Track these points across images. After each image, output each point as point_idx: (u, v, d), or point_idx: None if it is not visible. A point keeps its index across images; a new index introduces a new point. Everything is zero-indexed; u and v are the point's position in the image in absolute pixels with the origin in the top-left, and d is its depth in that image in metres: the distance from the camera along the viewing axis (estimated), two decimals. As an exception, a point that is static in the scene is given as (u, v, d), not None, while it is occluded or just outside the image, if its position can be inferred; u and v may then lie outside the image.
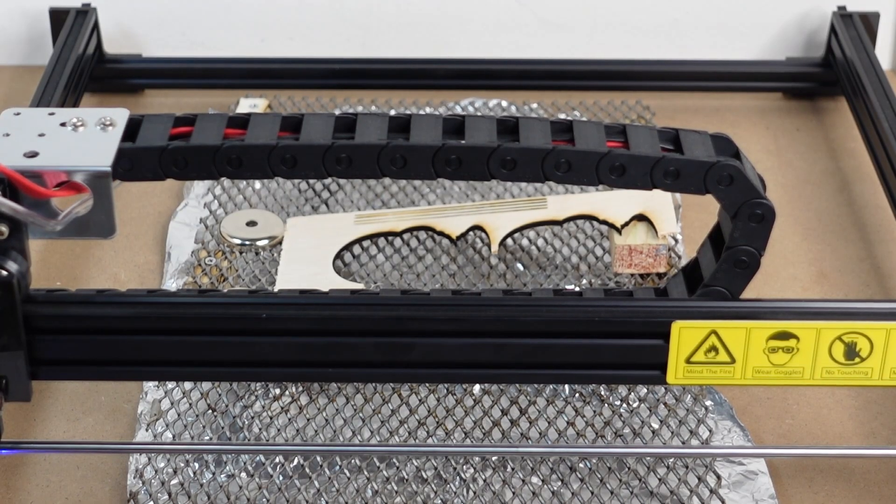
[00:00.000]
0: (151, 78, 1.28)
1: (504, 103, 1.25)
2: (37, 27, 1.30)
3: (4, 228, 0.78)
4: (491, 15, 1.31)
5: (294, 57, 1.29)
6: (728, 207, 0.82)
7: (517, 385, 0.94)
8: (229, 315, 0.82)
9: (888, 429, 0.94)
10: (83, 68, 1.21)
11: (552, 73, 1.27)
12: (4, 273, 0.78)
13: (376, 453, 0.89)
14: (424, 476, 0.89)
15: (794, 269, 1.08)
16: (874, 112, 1.13)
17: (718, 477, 0.88)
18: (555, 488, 0.88)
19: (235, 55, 1.29)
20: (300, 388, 0.95)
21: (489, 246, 1.06)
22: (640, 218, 1.05)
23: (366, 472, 0.89)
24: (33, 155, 0.78)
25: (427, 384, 0.95)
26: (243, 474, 0.88)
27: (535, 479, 0.89)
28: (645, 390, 0.94)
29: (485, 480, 0.88)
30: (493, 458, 0.89)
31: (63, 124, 0.80)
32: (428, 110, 1.25)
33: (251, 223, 1.09)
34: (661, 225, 1.03)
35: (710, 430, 0.92)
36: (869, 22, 1.26)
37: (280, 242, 1.07)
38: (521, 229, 1.05)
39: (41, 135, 0.80)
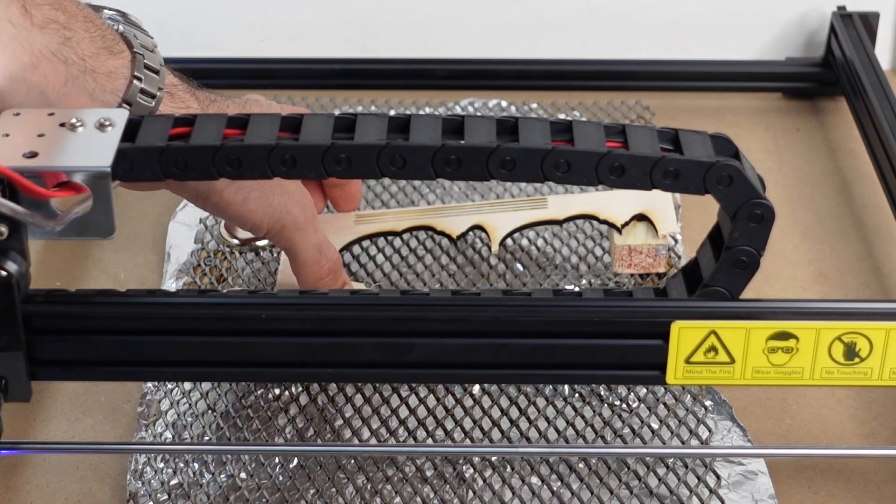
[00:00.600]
0: (151, 78, 1.28)
1: (504, 103, 1.25)
2: (37, 27, 1.30)
3: (4, 229, 0.78)
4: (491, 15, 1.31)
5: (294, 57, 1.29)
6: (728, 208, 0.82)
7: (517, 385, 0.94)
8: (229, 315, 0.82)
9: (888, 429, 0.94)
10: (83, 68, 1.21)
11: (552, 73, 1.27)
12: (4, 273, 0.78)
13: (376, 453, 0.89)
14: (424, 476, 0.89)
15: (793, 270, 1.08)
16: (874, 112, 1.13)
17: (718, 477, 0.88)
18: (554, 488, 0.88)
19: (235, 55, 1.29)
20: (300, 389, 0.95)
21: (489, 246, 1.06)
22: (640, 218, 1.04)
23: (365, 472, 0.89)
24: (33, 155, 0.78)
25: (427, 384, 0.95)
26: (243, 474, 0.88)
27: (534, 479, 0.89)
28: (644, 390, 0.94)
29: (485, 480, 0.88)
30: (493, 458, 0.89)
31: (62, 125, 0.80)
32: (428, 110, 1.25)
33: (251, 223, 1.09)
34: (662, 225, 1.03)
35: (710, 430, 0.92)
36: (869, 22, 1.26)
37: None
38: (521, 229, 1.05)
39: (40, 135, 0.80)
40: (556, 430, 0.92)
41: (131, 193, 1.07)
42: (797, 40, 1.31)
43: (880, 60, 1.21)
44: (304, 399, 0.94)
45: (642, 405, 0.94)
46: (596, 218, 1.04)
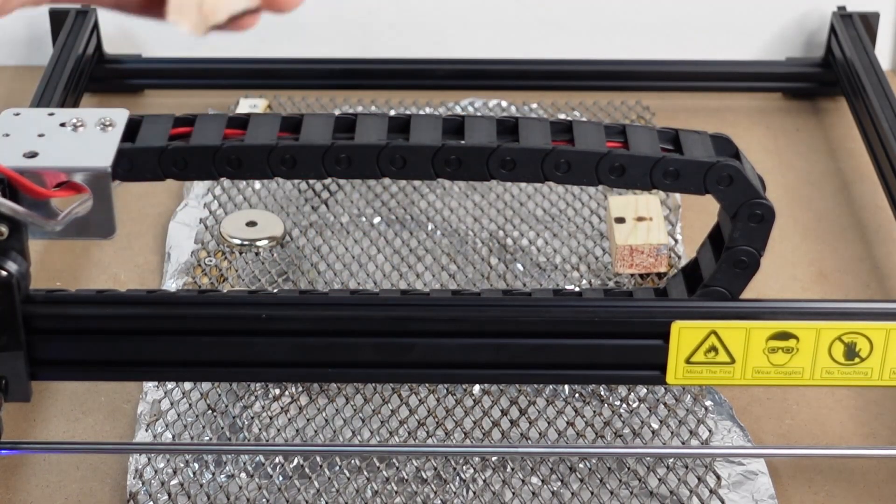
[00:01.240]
0: (151, 78, 1.29)
1: (504, 103, 1.25)
2: (37, 27, 1.30)
3: (4, 229, 0.78)
4: (491, 15, 1.31)
5: (294, 57, 1.29)
6: (728, 208, 0.82)
7: (517, 385, 0.94)
8: (229, 315, 0.82)
9: (888, 429, 0.94)
10: (83, 68, 1.21)
11: (552, 73, 1.27)
12: (4, 273, 0.78)
13: (376, 453, 0.89)
14: (424, 476, 0.89)
15: (793, 270, 1.08)
16: (874, 112, 1.13)
17: (718, 477, 0.88)
18: (554, 488, 0.88)
19: (235, 55, 1.29)
20: (300, 389, 0.95)
21: (489, 246, 1.06)
22: (641, 218, 1.05)
23: (365, 473, 0.89)
24: (33, 155, 0.78)
25: (427, 384, 0.95)
26: (243, 474, 0.88)
27: (534, 480, 0.89)
28: (645, 390, 0.94)
29: (484, 481, 0.88)
30: (493, 459, 0.89)
31: (63, 124, 0.80)
32: (428, 110, 1.25)
33: (251, 223, 1.09)
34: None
35: (710, 431, 0.92)
36: (869, 22, 1.26)
37: (280, 243, 1.07)
38: None
39: (41, 135, 0.80)
40: (557, 430, 0.92)
41: (131, 193, 1.07)
42: (797, 40, 1.31)
43: (880, 60, 1.21)
44: (304, 399, 0.94)
45: (642, 405, 0.94)
46: None
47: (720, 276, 0.83)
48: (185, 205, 1.12)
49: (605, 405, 0.94)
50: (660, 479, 0.88)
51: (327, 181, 1.14)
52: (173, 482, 0.88)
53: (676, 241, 1.08)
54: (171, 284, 1.04)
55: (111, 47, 1.28)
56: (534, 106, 1.25)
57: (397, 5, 1.30)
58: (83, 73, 1.21)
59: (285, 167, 0.81)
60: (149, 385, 0.95)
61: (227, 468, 0.89)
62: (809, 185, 1.18)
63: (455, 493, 0.88)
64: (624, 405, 0.94)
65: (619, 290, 0.89)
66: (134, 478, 0.88)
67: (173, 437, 0.91)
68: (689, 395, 0.94)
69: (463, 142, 0.81)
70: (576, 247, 1.08)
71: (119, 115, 0.81)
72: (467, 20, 1.31)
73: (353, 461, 0.89)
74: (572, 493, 0.87)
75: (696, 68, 1.28)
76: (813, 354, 0.82)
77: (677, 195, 1.12)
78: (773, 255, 1.08)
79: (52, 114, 0.81)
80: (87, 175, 0.78)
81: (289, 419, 0.92)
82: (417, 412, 0.93)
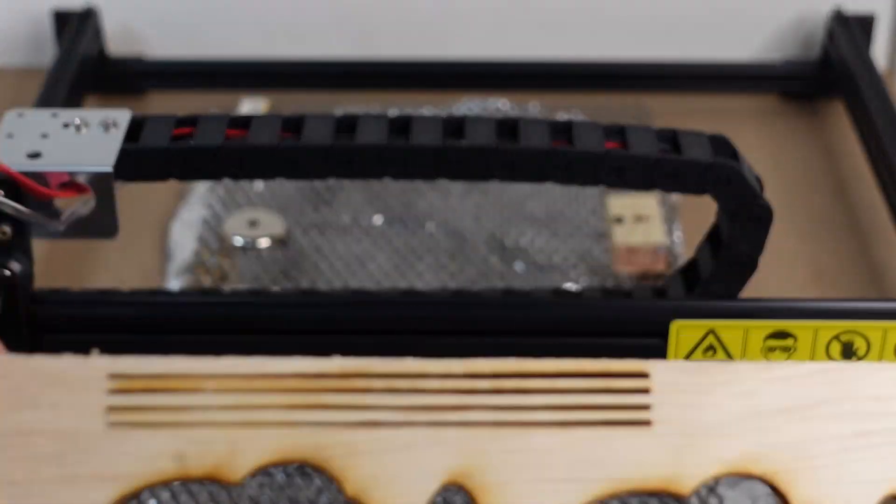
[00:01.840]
0: (154, 79, 1.29)
1: (504, 103, 1.25)
2: (40, 29, 1.31)
3: (8, 229, 0.78)
4: (491, 15, 1.31)
5: (295, 58, 1.29)
6: (726, 208, 0.82)
7: (516, 384, 0.95)
8: (231, 315, 0.82)
9: (885, 427, 0.94)
10: (86, 70, 1.22)
11: (552, 73, 1.27)
12: (8, 273, 0.78)
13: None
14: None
15: (791, 269, 1.09)
16: (871, 113, 1.13)
17: (716, 475, 0.89)
18: (554, 486, 0.88)
19: (237, 57, 1.29)
20: (301, 387, 0.95)
21: (489, 245, 1.06)
22: (640, 218, 1.05)
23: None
24: (36, 156, 0.79)
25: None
26: (245, 472, 0.89)
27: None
28: (643, 389, 0.95)
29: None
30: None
31: (66, 125, 0.81)
32: (428, 110, 1.25)
33: (253, 223, 1.09)
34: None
35: (708, 429, 0.92)
36: (866, 23, 1.26)
37: (282, 242, 1.08)
38: None
39: (44, 136, 0.80)
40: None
41: (133, 193, 1.08)
42: (794, 41, 1.31)
43: (877, 62, 1.21)
44: (305, 398, 0.94)
45: (641, 404, 0.94)
46: None
47: (718, 275, 0.84)
48: (187, 204, 1.12)
49: (604, 404, 0.94)
50: (658, 477, 0.89)
51: (329, 181, 1.15)
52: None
53: (675, 241, 1.08)
54: (174, 284, 1.04)
55: (114, 48, 1.29)
56: (534, 106, 1.25)
57: (397, 5, 1.30)
58: (86, 75, 1.22)
59: (287, 167, 0.81)
60: (151, 384, 0.95)
61: (229, 466, 0.89)
62: (807, 185, 1.18)
63: (455, 492, 0.88)
64: (623, 404, 0.94)
65: (619, 290, 0.89)
66: (136, 476, 0.88)
67: (175, 435, 0.92)
68: (687, 394, 0.95)
69: (463, 142, 0.81)
70: (575, 246, 1.08)
71: (122, 116, 0.81)
72: (467, 20, 1.31)
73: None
74: (571, 491, 0.88)
75: (694, 69, 1.28)
76: (810, 353, 0.83)
77: (676, 195, 1.12)
78: (770, 255, 1.08)
79: (55, 114, 0.82)
80: (90, 175, 0.78)
81: (290, 417, 0.93)
82: (418, 411, 0.93)
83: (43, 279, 1.05)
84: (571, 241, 1.09)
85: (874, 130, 1.12)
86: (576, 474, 0.63)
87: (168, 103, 1.28)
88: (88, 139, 0.80)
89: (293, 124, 0.82)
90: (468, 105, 1.25)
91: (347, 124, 0.82)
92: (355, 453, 0.64)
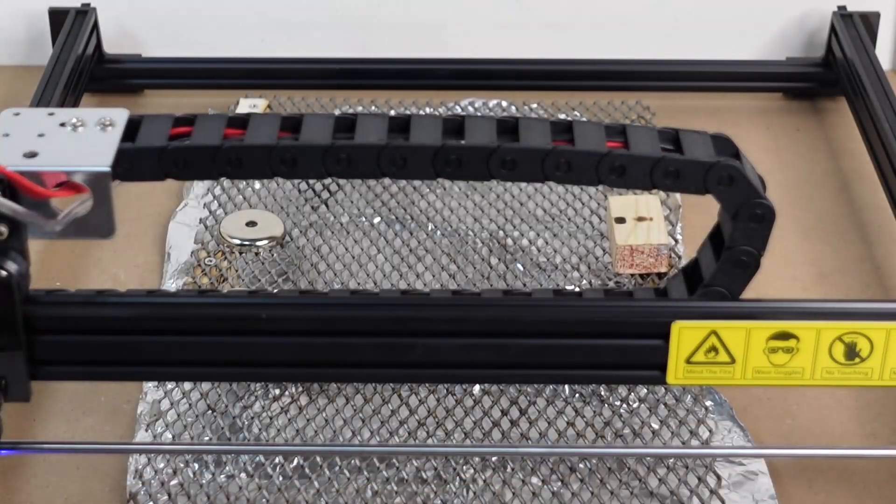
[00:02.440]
0: (151, 78, 1.29)
1: (504, 103, 1.25)
2: (36, 27, 1.30)
3: (4, 229, 0.78)
4: (491, 15, 1.31)
5: (294, 57, 1.29)
6: (728, 208, 0.82)
7: (517, 385, 0.94)
8: (229, 315, 0.82)
9: (889, 429, 0.94)
10: (83, 68, 1.21)
11: (552, 73, 1.27)
12: (4, 273, 0.78)
13: (376, 454, 0.89)
14: (424, 476, 0.89)
15: (794, 270, 1.08)
16: (874, 112, 1.13)
17: (718, 477, 0.88)
18: (555, 489, 0.88)
19: (235, 55, 1.29)
20: (300, 389, 0.94)
21: (489, 246, 1.06)
22: (641, 218, 1.05)
23: (365, 473, 0.89)
24: (33, 155, 0.78)
25: (427, 384, 0.94)
26: (243, 475, 0.88)
27: (535, 480, 0.88)
28: (645, 390, 0.94)
29: (485, 481, 0.88)
30: (493, 459, 0.89)
31: (63, 124, 0.80)
32: (428, 110, 1.25)
33: (251, 223, 1.09)
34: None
35: (710, 431, 0.92)
36: (869, 22, 1.26)
37: (279, 243, 1.07)
38: None
39: (41, 135, 0.80)
40: (557, 430, 0.92)
41: (131, 193, 1.07)
42: (797, 40, 1.31)
43: (880, 60, 1.21)
44: (304, 399, 0.94)
45: (643, 405, 0.93)
46: None
47: (720, 276, 0.83)
48: (184, 205, 1.12)
49: (606, 405, 0.94)
50: (660, 480, 0.88)
51: (327, 181, 1.14)
52: (173, 482, 0.88)
53: (677, 241, 1.08)
54: (171, 285, 1.04)
55: (111, 47, 1.28)
56: (534, 106, 1.25)
57: (397, 5, 1.30)
58: (83, 73, 1.21)
59: (285, 167, 0.81)
60: (149, 385, 0.94)
61: (227, 468, 0.89)
62: (810, 185, 1.18)
63: (455, 493, 0.88)
64: (624, 405, 0.93)
65: (620, 291, 0.89)
66: (134, 478, 0.88)
67: (173, 437, 0.91)
68: (689, 396, 0.94)
69: (463, 142, 0.80)
70: (576, 247, 1.08)
71: (119, 115, 0.81)
72: (467, 20, 1.31)
73: (353, 461, 0.89)
74: (572, 494, 0.87)
75: (697, 68, 1.28)
76: (813, 354, 0.82)
77: (677, 195, 1.12)
78: (773, 255, 1.08)
79: (51, 114, 0.81)
80: (87, 175, 0.77)
81: (289, 419, 0.92)
82: (417, 412, 0.93)
83: (39, 280, 1.05)
84: (572, 241, 1.08)
85: (878, 129, 1.12)
86: None
87: (165, 102, 1.28)
88: (85, 138, 0.79)
89: (291, 124, 0.82)
90: (468, 105, 1.25)
91: (346, 124, 0.82)
92: None
